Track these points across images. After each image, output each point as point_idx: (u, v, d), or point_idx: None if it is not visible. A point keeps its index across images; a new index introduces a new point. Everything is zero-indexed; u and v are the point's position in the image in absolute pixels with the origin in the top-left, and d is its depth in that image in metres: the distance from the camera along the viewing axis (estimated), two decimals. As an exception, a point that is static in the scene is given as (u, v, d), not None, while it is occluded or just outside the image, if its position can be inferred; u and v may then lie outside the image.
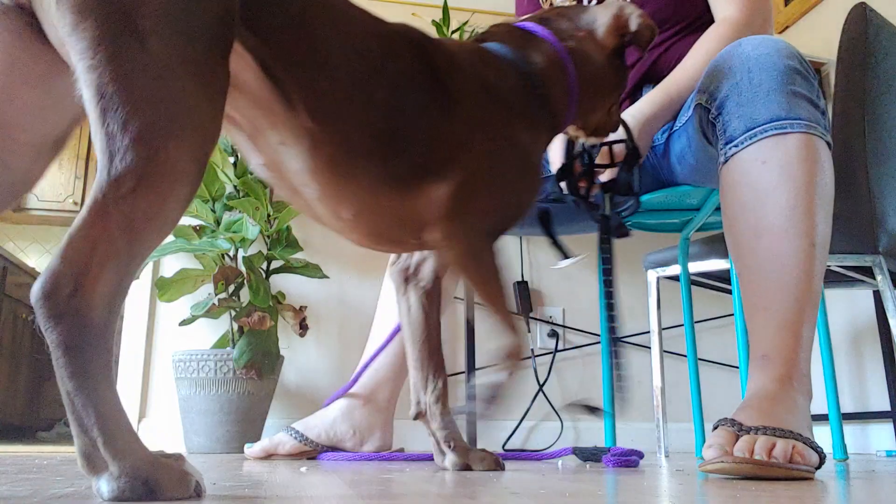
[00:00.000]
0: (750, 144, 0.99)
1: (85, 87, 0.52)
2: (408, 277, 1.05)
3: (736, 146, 1.01)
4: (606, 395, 1.60)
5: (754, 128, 0.99)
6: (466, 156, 0.85)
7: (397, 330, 1.43)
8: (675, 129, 1.27)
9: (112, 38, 0.52)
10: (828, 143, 1.01)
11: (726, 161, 1.03)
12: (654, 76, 1.34)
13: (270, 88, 0.71)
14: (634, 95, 1.38)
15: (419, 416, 1.06)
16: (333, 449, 1.40)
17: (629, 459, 1.13)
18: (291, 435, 1.39)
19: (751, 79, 1.01)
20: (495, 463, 1.02)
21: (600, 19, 1.01)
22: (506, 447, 2.27)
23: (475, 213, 0.86)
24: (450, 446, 1.05)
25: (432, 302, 1.05)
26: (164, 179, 0.52)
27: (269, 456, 1.39)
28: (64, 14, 0.52)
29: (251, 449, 1.41)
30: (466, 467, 1.02)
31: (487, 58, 0.94)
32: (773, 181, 0.97)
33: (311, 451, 1.39)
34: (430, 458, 1.39)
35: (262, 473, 0.92)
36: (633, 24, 1.00)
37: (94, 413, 0.49)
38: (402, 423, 2.11)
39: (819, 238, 0.96)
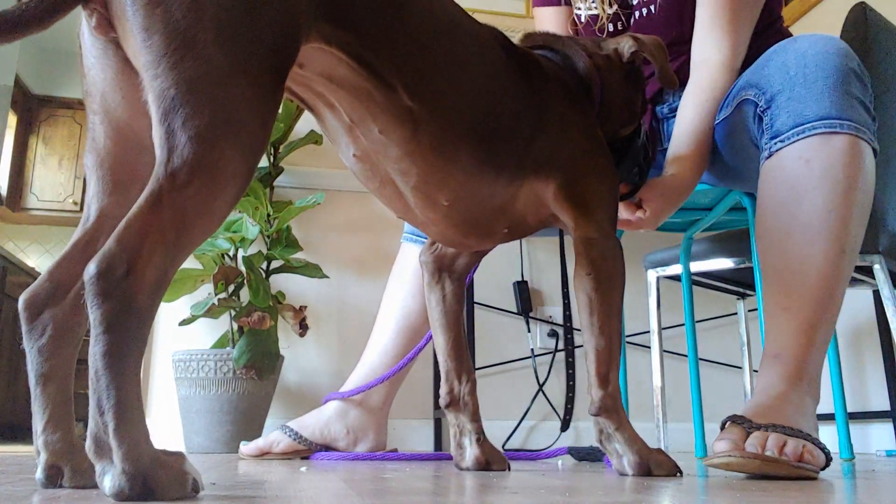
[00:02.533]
0: (796, 141, 0.97)
1: (150, 92, 0.57)
2: (442, 267, 1.05)
3: (782, 141, 0.99)
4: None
5: (803, 124, 0.97)
6: (567, 153, 0.90)
7: (428, 338, 1.35)
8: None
9: (175, 51, 0.57)
10: (874, 150, 1.00)
11: (770, 156, 1.01)
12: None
13: (367, 76, 0.74)
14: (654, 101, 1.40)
15: (450, 405, 1.05)
16: (327, 448, 1.41)
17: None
18: (286, 433, 1.40)
19: (805, 74, 0.99)
20: (508, 466, 1.03)
21: (614, 45, 1.09)
22: (506, 447, 2.27)
23: (601, 204, 0.92)
24: (476, 440, 1.05)
25: (463, 294, 1.06)
26: (215, 176, 0.56)
27: (263, 454, 1.39)
28: (134, 34, 0.58)
29: (246, 447, 1.41)
30: (486, 466, 1.01)
31: (556, 64, 1.00)
32: (813, 181, 0.95)
33: (305, 451, 1.40)
34: (423, 457, 1.39)
35: (261, 473, 0.92)
36: (627, 51, 1.07)
37: (114, 396, 0.50)
38: (395, 423, 2.11)
39: (850, 245, 0.95)
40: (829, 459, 0.85)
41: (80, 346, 0.66)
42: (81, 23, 0.68)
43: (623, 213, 1.13)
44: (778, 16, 1.39)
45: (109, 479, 0.50)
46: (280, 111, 2.14)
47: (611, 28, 1.40)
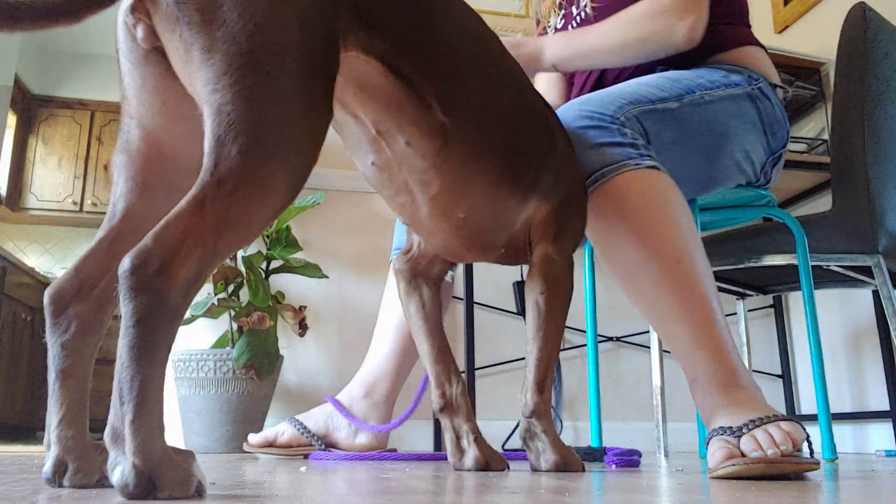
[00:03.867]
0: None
1: (206, 105, 0.59)
2: (417, 273, 1.07)
3: None
4: (593, 396, 1.60)
5: None
6: (565, 183, 0.97)
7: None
8: None
9: (236, 70, 0.58)
10: (651, 167, 1.05)
11: None
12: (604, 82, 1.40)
13: (402, 88, 0.76)
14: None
15: (444, 409, 1.06)
16: (329, 439, 1.42)
17: (631, 459, 1.13)
18: (292, 424, 1.42)
19: None
20: (507, 465, 1.06)
21: None
22: (505, 447, 2.27)
23: (571, 233, 0.99)
24: (474, 440, 1.06)
25: (439, 299, 1.08)
26: (260, 190, 0.57)
27: (268, 444, 1.40)
28: (192, 52, 0.60)
29: (254, 437, 1.42)
30: (486, 466, 1.02)
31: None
32: (616, 229, 1.03)
33: (307, 445, 1.41)
34: (422, 457, 1.39)
35: (262, 473, 0.92)
36: None
37: (136, 388, 0.51)
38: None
39: (684, 250, 1.00)
40: (806, 433, 0.89)
41: (100, 344, 0.67)
42: (118, 27, 0.68)
43: None
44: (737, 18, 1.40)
45: (119, 471, 0.51)
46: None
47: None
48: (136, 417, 0.51)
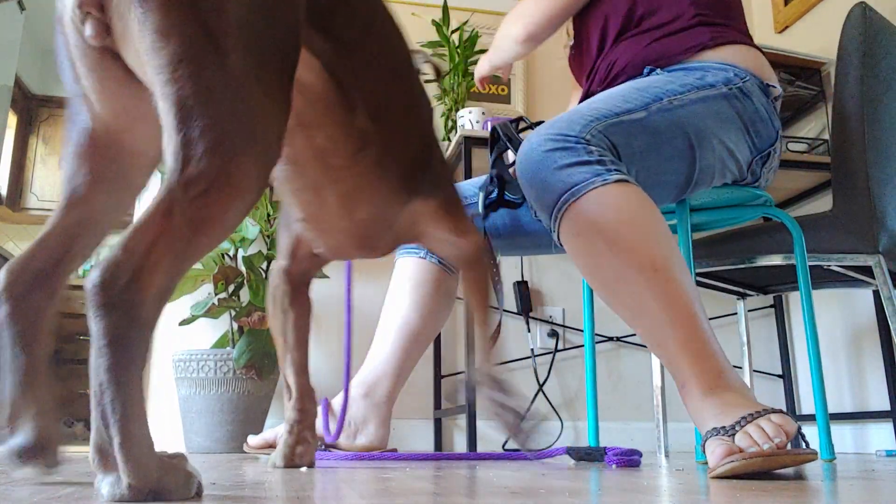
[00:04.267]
0: (559, 226, 1.10)
1: (162, 98, 0.55)
2: (297, 286, 1.15)
3: (553, 232, 1.13)
4: (591, 396, 1.60)
5: (552, 212, 1.10)
6: (444, 180, 1.03)
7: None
8: None
9: (194, 56, 0.54)
10: (619, 180, 1.08)
11: (558, 246, 1.15)
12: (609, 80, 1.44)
13: (334, 90, 0.79)
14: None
15: (301, 421, 1.12)
16: (328, 442, 1.41)
17: (631, 459, 1.13)
18: None
19: (528, 180, 1.14)
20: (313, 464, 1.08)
21: None
22: (506, 447, 2.27)
23: (465, 217, 1.06)
24: (311, 439, 1.10)
25: (309, 301, 1.17)
26: (231, 188, 0.55)
27: (269, 446, 1.40)
28: (145, 35, 0.55)
29: (254, 439, 1.42)
30: (309, 464, 1.07)
31: None
32: (590, 245, 1.07)
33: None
34: (421, 457, 1.39)
35: (261, 473, 0.92)
36: None
37: (119, 410, 0.48)
38: (395, 423, 2.11)
39: (659, 260, 1.02)
40: (798, 425, 0.90)
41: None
42: (64, 25, 0.65)
43: None
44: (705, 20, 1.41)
45: (108, 486, 0.49)
46: (280, 111, 2.13)
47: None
48: (125, 440, 0.48)
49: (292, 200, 0.93)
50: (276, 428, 1.42)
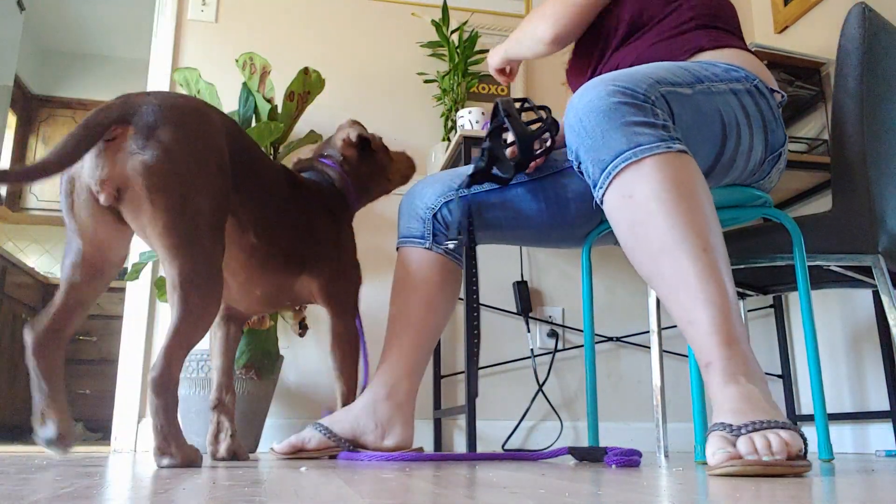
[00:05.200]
0: (610, 183, 1.06)
1: (167, 262, 1.03)
2: (230, 316, 1.50)
3: (601, 187, 1.08)
4: (590, 396, 1.60)
5: (606, 168, 1.06)
6: (325, 261, 1.46)
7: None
8: None
9: (186, 244, 1.02)
10: (680, 151, 1.05)
11: (601, 204, 1.10)
12: None
13: (233, 224, 1.22)
14: None
15: (217, 407, 1.43)
16: (356, 442, 1.41)
17: (631, 459, 1.13)
18: (318, 430, 1.41)
19: (584, 127, 1.09)
20: (247, 456, 1.37)
21: (342, 136, 1.62)
22: (506, 447, 2.27)
23: (347, 302, 1.50)
24: (230, 435, 1.40)
25: (240, 331, 1.52)
26: (209, 316, 1.06)
27: (297, 451, 1.40)
28: (154, 225, 1.03)
29: (279, 446, 1.42)
30: (235, 456, 1.38)
31: (320, 187, 1.53)
32: (644, 211, 1.03)
33: (336, 448, 1.40)
34: (446, 457, 1.39)
35: (261, 473, 0.92)
36: (353, 136, 1.60)
37: (170, 431, 1.05)
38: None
39: (711, 239, 1.01)
40: (804, 439, 0.90)
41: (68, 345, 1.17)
42: (78, 187, 1.06)
43: None
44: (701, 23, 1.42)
45: (170, 460, 1.03)
46: (280, 111, 2.14)
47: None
48: (177, 442, 1.04)
49: None
50: (303, 433, 1.42)
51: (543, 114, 1.45)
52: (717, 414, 0.93)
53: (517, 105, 1.42)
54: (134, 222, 1.04)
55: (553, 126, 1.42)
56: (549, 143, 1.45)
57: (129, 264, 2.25)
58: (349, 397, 1.49)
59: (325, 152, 1.61)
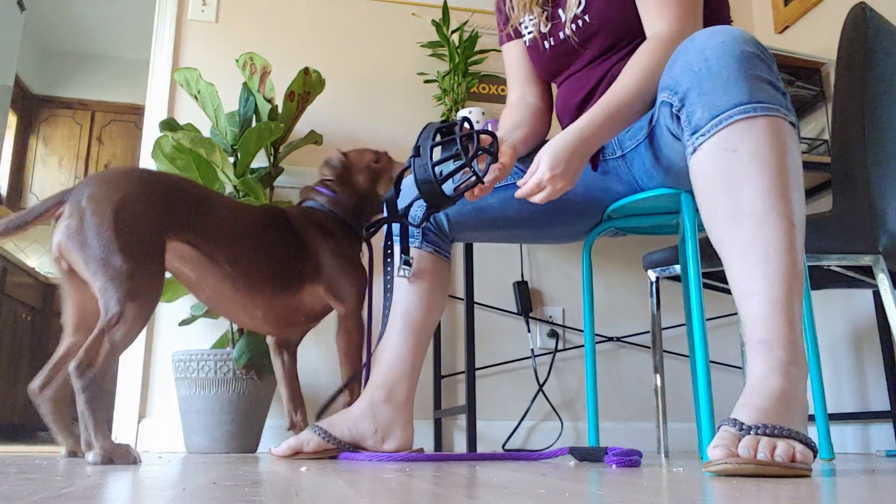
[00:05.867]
0: (717, 132, 1.01)
1: (99, 294, 1.24)
2: (281, 344, 1.77)
3: (703, 135, 1.02)
4: (591, 396, 1.60)
5: (719, 115, 1.00)
6: (327, 268, 1.65)
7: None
8: (646, 136, 1.30)
9: (116, 286, 1.23)
10: (792, 123, 1.02)
11: (695, 151, 1.04)
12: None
13: (202, 256, 1.46)
14: (582, 111, 1.42)
15: (292, 427, 1.75)
16: (356, 446, 1.41)
17: (631, 459, 1.13)
18: (316, 433, 1.40)
19: (709, 67, 1.02)
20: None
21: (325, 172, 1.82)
22: (506, 447, 2.27)
23: (351, 295, 1.66)
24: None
25: (295, 359, 1.79)
26: (132, 320, 1.24)
27: (295, 454, 1.40)
28: (81, 269, 1.26)
29: (277, 448, 1.42)
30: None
31: (314, 211, 1.74)
32: (745, 168, 0.98)
33: (334, 450, 1.40)
34: (447, 457, 1.39)
35: (261, 473, 0.92)
36: (323, 173, 1.80)
37: (94, 425, 1.19)
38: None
39: (797, 217, 0.98)
40: (815, 453, 0.88)
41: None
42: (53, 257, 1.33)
43: (528, 184, 1.22)
44: (726, 18, 1.41)
45: (93, 457, 1.16)
46: (280, 111, 2.14)
47: (545, 46, 1.47)
48: (98, 437, 1.18)
49: (220, 314, 1.68)
50: (301, 435, 1.42)
51: (471, 146, 1.25)
52: (740, 404, 0.90)
53: (462, 126, 1.27)
54: (82, 276, 1.29)
55: (490, 156, 1.25)
56: (479, 175, 1.26)
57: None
58: (353, 381, 1.62)
59: (320, 179, 1.84)
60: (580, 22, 1.37)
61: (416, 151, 1.26)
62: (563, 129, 1.39)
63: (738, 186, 0.98)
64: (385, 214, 1.46)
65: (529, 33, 1.49)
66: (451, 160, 1.26)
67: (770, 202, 0.97)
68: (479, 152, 1.23)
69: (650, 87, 1.20)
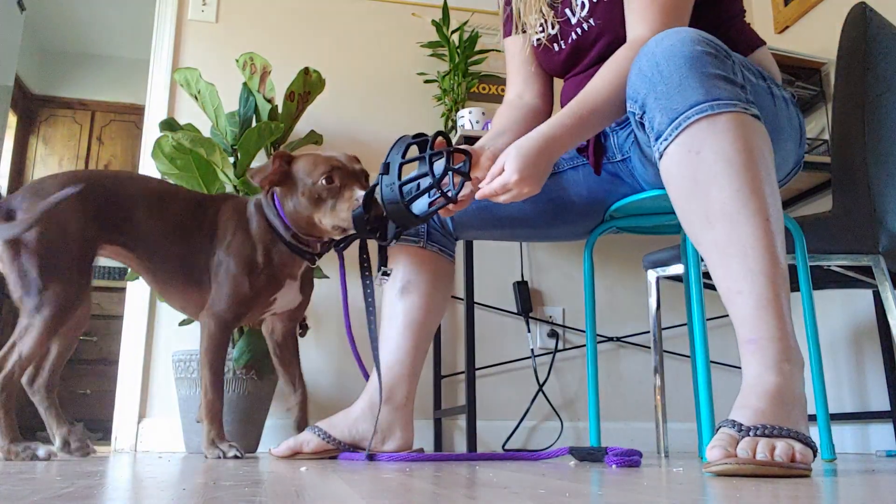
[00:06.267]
0: (677, 135, 1.00)
1: (14, 298, 1.35)
2: (267, 335, 1.68)
3: (665, 139, 1.02)
4: (592, 396, 1.60)
5: (676, 117, 1.00)
6: (216, 262, 1.55)
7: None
8: (633, 141, 1.30)
9: (21, 284, 1.33)
10: (755, 116, 1.01)
11: (661, 156, 1.03)
12: None
13: (127, 252, 1.50)
14: None
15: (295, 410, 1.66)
16: (355, 447, 1.41)
17: (632, 459, 1.13)
18: (316, 433, 1.40)
19: (661, 72, 1.02)
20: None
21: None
22: (506, 447, 2.27)
23: (219, 298, 1.53)
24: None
25: (283, 347, 1.68)
26: (39, 333, 1.32)
27: (294, 454, 1.40)
28: (8, 276, 1.33)
29: (277, 448, 1.42)
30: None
31: (240, 204, 1.60)
32: (710, 169, 0.97)
33: (334, 450, 1.40)
34: (448, 458, 1.39)
35: (261, 473, 0.92)
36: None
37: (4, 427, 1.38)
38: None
39: (772, 212, 0.96)
40: (815, 451, 0.87)
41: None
42: None
43: (492, 185, 1.17)
44: (740, 10, 1.39)
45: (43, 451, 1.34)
46: (280, 111, 2.14)
47: (555, 48, 1.43)
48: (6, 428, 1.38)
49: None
50: (300, 436, 1.42)
51: (441, 163, 1.22)
52: (738, 405, 0.90)
53: (434, 141, 1.22)
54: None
55: (460, 177, 1.22)
56: (451, 194, 1.23)
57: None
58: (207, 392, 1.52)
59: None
60: (586, 25, 1.36)
61: (385, 168, 1.22)
62: None
63: (707, 188, 0.97)
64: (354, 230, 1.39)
65: (538, 33, 1.46)
66: (423, 177, 1.21)
67: (741, 200, 0.95)
68: (448, 172, 1.19)
69: (623, 92, 1.17)
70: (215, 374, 1.48)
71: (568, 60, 1.44)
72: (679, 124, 0.99)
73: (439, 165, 1.31)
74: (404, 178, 1.23)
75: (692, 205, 1.00)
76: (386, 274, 1.44)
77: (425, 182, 1.28)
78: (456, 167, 1.21)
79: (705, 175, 0.97)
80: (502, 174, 1.16)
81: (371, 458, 1.34)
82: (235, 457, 1.40)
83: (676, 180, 1.01)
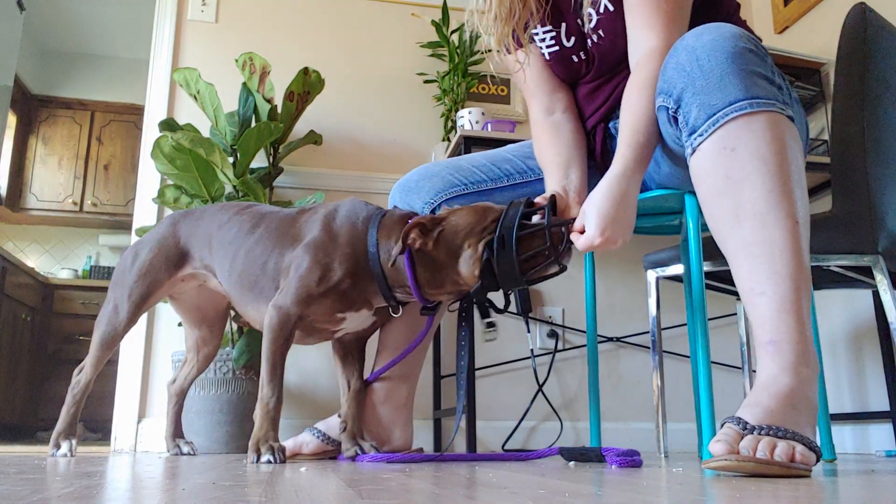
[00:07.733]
0: (714, 131, 0.99)
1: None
2: (343, 346, 1.47)
3: (700, 135, 1.01)
4: (593, 396, 1.61)
5: (715, 113, 0.99)
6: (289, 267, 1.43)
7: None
8: None
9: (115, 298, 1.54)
10: (790, 118, 1.01)
11: (694, 152, 1.03)
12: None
13: (206, 275, 1.52)
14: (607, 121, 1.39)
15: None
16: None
17: (631, 459, 1.13)
18: (314, 435, 1.40)
19: (701, 66, 1.01)
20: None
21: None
22: (505, 447, 2.27)
23: (287, 293, 1.39)
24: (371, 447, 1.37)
25: (354, 351, 1.47)
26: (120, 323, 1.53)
27: (293, 456, 1.40)
28: None
29: None
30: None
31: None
32: (745, 166, 0.96)
33: (333, 451, 1.40)
34: (446, 458, 1.39)
35: (261, 473, 0.92)
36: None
37: None
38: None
39: (801, 214, 0.96)
40: (819, 457, 0.87)
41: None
42: None
43: (577, 240, 1.15)
44: (735, 7, 1.38)
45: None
46: (280, 111, 2.14)
47: (575, 59, 1.40)
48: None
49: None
50: (299, 437, 1.42)
51: (548, 237, 1.19)
52: (747, 403, 0.89)
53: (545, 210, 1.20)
54: None
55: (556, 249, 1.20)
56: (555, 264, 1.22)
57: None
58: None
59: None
60: (595, 37, 1.35)
61: (501, 242, 1.18)
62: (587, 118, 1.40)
63: (739, 186, 0.97)
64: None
65: (550, 46, 1.42)
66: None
67: (772, 201, 0.95)
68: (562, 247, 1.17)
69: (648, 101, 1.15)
70: (273, 367, 1.29)
71: (583, 69, 1.41)
72: (717, 120, 0.99)
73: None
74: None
75: (722, 202, 0.99)
76: (491, 325, 1.39)
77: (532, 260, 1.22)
78: (566, 242, 1.18)
79: (739, 173, 0.97)
80: (585, 234, 1.14)
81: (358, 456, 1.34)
82: (269, 461, 1.22)
83: (709, 177, 1.00)
